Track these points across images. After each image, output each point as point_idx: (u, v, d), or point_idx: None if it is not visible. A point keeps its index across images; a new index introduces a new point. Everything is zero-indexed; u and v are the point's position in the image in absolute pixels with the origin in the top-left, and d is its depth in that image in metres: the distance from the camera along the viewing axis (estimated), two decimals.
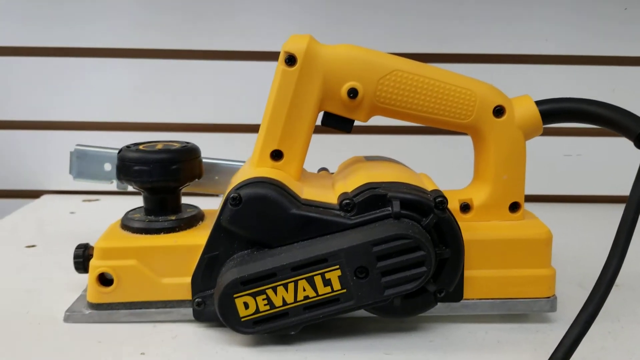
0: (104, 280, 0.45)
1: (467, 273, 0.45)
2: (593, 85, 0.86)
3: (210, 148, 0.58)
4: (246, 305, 0.40)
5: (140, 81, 0.86)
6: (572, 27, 0.85)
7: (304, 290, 0.40)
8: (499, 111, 0.47)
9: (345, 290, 0.41)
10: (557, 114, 0.48)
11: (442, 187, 0.46)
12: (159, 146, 0.47)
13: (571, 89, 0.83)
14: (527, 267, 0.46)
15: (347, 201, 0.42)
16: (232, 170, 0.55)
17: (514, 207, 0.48)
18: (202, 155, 0.51)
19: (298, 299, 0.40)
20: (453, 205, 0.47)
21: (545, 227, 0.47)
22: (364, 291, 0.41)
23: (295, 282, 0.40)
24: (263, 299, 0.40)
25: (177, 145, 0.48)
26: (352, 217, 0.42)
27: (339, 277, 0.40)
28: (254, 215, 0.42)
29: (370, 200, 0.42)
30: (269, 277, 0.40)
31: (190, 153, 0.47)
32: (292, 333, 0.42)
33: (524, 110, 0.47)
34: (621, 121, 0.46)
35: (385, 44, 0.75)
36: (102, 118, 0.87)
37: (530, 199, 0.91)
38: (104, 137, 0.87)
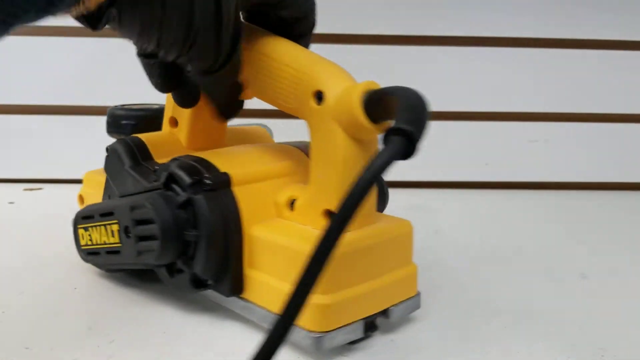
0: None
1: (253, 273, 0.41)
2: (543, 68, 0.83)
3: None
4: (82, 237, 0.49)
5: (85, 62, 0.84)
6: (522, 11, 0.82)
7: (103, 236, 0.46)
8: (319, 97, 0.38)
9: (120, 245, 0.45)
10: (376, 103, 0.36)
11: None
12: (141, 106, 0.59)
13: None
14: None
15: (156, 167, 0.45)
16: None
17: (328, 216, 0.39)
18: None
19: (100, 242, 0.47)
20: (280, 199, 0.42)
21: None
22: (129, 250, 0.44)
23: (98, 227, 0.47)
24: (88, 235, 0.48)
25: (157, 106, 0.58)
26: (154, 182, 0.45)
27: (117, 231, 0.45)
28: (111, 165, 0.49)
29: (162, 169, 0.44)
30: (89, 217, 0.48)
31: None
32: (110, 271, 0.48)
33: (344, 98, 0.37)
34: (400, 108, 0.32)
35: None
36: (41, 101, 0.85)
37: (496, 185, 0.83)
38: (47, 121, 0.85)
